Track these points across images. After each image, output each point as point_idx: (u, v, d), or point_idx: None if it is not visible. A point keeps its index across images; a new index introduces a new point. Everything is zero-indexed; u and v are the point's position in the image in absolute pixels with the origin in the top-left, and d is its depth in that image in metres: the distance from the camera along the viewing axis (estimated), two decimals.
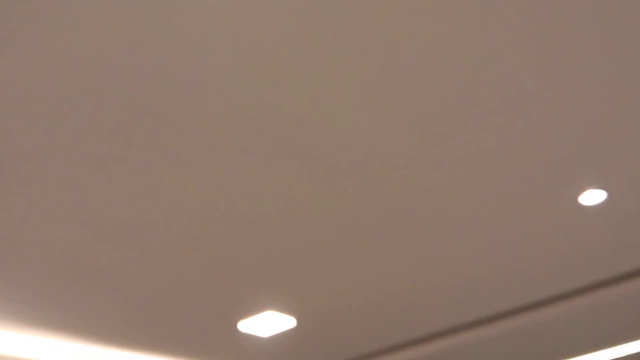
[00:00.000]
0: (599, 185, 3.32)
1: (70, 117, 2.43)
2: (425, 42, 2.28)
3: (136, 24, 2.08)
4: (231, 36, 2.17)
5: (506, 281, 4.21)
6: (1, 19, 1.99)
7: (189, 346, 4.65)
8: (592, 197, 3.43)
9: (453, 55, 2.35)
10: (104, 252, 3.34)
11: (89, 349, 4.47)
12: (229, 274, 3.68)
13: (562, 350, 5.59)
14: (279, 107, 2.52)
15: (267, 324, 4.28)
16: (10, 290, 3.57)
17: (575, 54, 2.41)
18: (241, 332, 4.45)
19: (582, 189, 3.32)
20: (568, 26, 2.28)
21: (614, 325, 5.09)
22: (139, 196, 2.94)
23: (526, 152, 2.99)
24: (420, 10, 2.14)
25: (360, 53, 2.29)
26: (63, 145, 2.57)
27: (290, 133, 2.66)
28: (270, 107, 2.51)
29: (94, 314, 3.97)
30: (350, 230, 3.40)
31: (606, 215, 3.59)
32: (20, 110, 2.37)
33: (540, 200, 3.37)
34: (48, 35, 2.07)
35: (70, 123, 2.47)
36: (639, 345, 5.55)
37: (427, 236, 3.55)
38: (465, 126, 2.75)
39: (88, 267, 3.46)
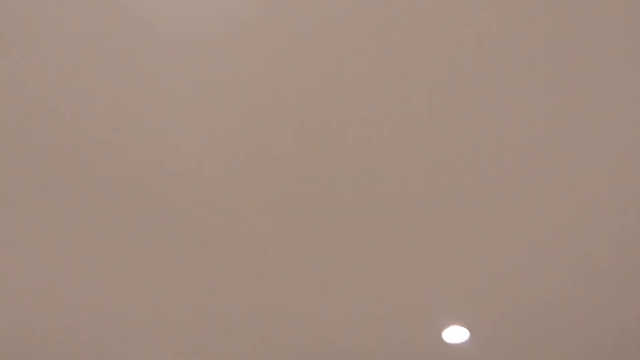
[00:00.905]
0: (462, 323, 3.52)
1: None
2: None
3: None
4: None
5: None
6: None
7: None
8: (455, 334, 3.58)
9: None
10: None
11: None
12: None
13: None
14: None
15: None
16: None
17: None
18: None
19: (446, 325, 3.51)
20: None
21: None
22: None
23: (402, 282, 3.17)
24: None
25: None
26: None
27: None
28: None
29: None
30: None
31: (469, 353, 3.63)
32: None
33: (407, 333, 3.51)
34: None
35: None
36: None
37: None
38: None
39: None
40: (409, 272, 3.14)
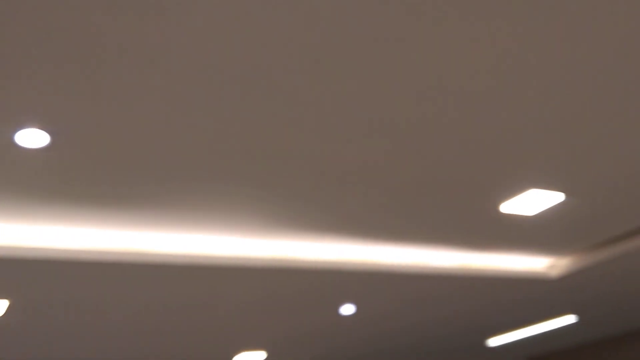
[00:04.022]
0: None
1: None
2: None
3: None
4: None
5: None
6: None
7: (454, 234, 4.74)
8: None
9: None
10: (356, 152, 3.36)
11: (348, 247, 4.68)
12: (487, 155, 3.60)
13: None
14: None
15: (532, 202, 4.27)
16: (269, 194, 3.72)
17: None
18: (505, 214, 4.45)
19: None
20: None
21: None
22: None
23: None
24: None
25: None
26: None
27: None
28: None
29: (355, 212, 4.09)
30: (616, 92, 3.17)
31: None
32: None
33: None
34: None
35: None
36: None
37: None
38: None
39: (343, 168, 3.51)
40: None
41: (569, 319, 7.65)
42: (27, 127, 2.73)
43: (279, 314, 5.53)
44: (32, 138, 2.80)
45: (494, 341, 8.24)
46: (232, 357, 6.78)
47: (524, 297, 6.39)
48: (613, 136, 3.59)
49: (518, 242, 5.09)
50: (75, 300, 4.49)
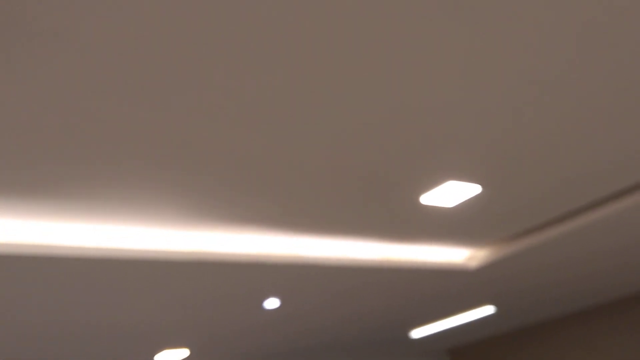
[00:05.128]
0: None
1: None
2: None
3: None
4: None
5: None
6: None
7: (376, 226, 4.77)
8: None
9: None
10: (272, 147, 3.35)
11: (271, 239, 4.65)
12: (406, 146, 3.63)
13: None
14: None
15: (451, 194, 4.35)
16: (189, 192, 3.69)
17: None
18: (425, 205, 4.52)
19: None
20: None
21: None
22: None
23: None
24: None
25: None
26: None
27: None
28: None
29: (277, 204, 4.07)
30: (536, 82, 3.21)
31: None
32: None
33: None
34: None
35: None
36: None
37: None
38: None
39: (266, 160, 3.48)
40: None
41: (488, 310, 7.88)
42: None
43: (201, 310, 5.44)
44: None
45: (417, 333, 8.40)
46: (154, 355, 6.63)
47: (445, 288, 6.54)
48: (529, 127, 3.69)
49: (438, 234, 5.19)
50: None
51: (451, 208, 4.66)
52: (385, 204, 4.37)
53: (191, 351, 6.77)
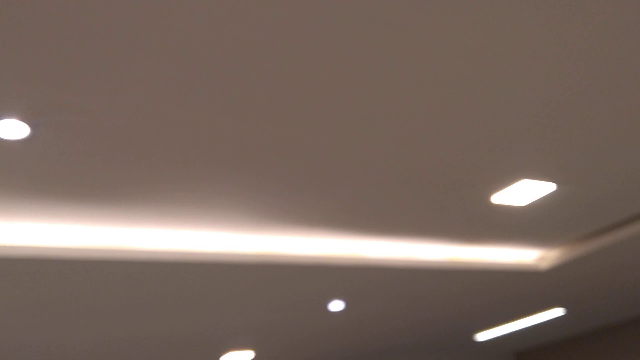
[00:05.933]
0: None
1: None
2: None
3: None
4: None
5: None
6: None
7: (445, 227, 4.71)
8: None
9: None
10: (341, 147, 3.33)
11: (337, 241, 4.61)
12: (478, 145, 3.56)
13: None
14: None
15: (524, 192, 4.26)
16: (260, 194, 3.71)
17: None
18: (497, 205, 4.42)
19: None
20: None
21: None
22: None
23: None
24: None
25: None
26: None
27: None
28: None
29: (344, 205, 4.04)
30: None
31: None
32: None
33: None
34: None
35: None
36: None
37: None
38: None
39: (334, 160, 3.46)
40: None
41: (557, 312, 7.64)
42: (6, 117, 2.63)
43: (266, 312, 5.44)
44: (11, 129, 2.70)
45: (482, 336, 8.21)
46: (219, 357, 6.67)
47: (514, 290, 6.36)
48: (604, 126, 3.54)
49: (509, 234, 5.04)
50: (58, 299, 4.37)
51: (523, 207, 4.52)
52: (455, 204, 4.27)
53: (256, 353, 6.78)
